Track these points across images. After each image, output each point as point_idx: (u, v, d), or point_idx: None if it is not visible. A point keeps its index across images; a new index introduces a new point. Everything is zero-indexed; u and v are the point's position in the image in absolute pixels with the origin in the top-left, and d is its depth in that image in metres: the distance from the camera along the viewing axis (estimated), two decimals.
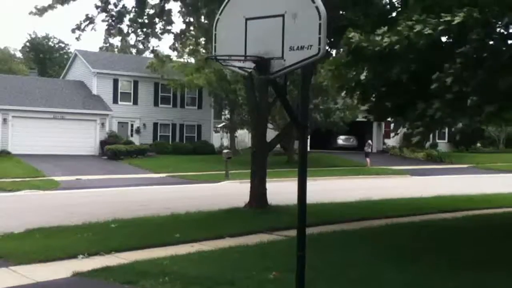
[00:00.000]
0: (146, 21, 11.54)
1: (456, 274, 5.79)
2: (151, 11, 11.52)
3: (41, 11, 10.93)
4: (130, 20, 11.47)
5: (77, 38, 11.81)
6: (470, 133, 32.14)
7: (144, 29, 11.70)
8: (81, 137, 28.21)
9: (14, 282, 5.62)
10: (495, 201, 13.43)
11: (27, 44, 53.44)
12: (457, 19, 5.12)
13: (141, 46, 13.45)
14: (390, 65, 6.28)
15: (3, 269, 6.13)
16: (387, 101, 7.76)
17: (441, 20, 5.31)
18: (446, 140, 38.82)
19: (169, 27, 11.92)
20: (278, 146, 24.64)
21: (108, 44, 12.88)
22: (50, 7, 10.90)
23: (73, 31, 11.33)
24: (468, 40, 5.47)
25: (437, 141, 37.61)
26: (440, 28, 5.28)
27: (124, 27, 11.69)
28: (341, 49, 6.65)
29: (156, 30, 11.85)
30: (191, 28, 12.55)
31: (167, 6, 11.65)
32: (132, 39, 12.07)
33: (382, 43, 5.62)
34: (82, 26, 11.27)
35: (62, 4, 10.87)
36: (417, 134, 6.13)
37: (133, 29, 11.65)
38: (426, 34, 5.29)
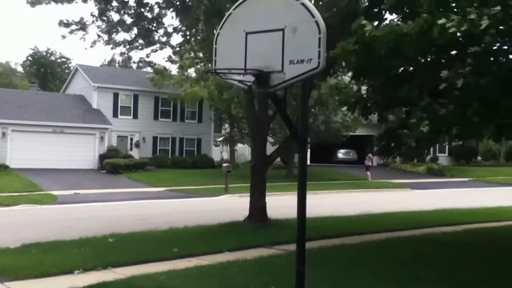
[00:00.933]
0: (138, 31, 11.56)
1: None
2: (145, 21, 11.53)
3: (34, 2, 10.96)
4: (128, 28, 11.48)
5: (63, 36, 11.87)
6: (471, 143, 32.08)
7: (139, 40, 11.71)
8: (80, 151, 28.16)
9: None
10: (496, 215, 13.36)
11: (29, 58, 53.79)
12: (484, 23, 4.82)
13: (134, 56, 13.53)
14: (399, 60, 6.12)
15: None
16: (390, 113, 7.70)
17: (467, 17, 4.97)
18: (446, 154, 38.77)
19: (164, 39, 11.93)
20: (278, 159, 24.62)
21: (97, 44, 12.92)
22: (43, 0, 10.93)
23: (60, 23, 11.33)
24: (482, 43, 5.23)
25: (438, 154, 37.58)
26: (463, 28, 4.95)
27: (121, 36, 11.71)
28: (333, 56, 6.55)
29: (154, 39, 11.86)
30: (191, 40, 12.59)
31: (165, 19, 11.73)
32: (127, 50, 12.04)
33: (399, 30, 5.38)
34: (73, 28, 11.31)
35: (56, 2, 10.92)
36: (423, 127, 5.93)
37: (130, 39, 11.66)
38: (450, 31, 4.98)
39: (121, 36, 11.88)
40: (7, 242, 8.49)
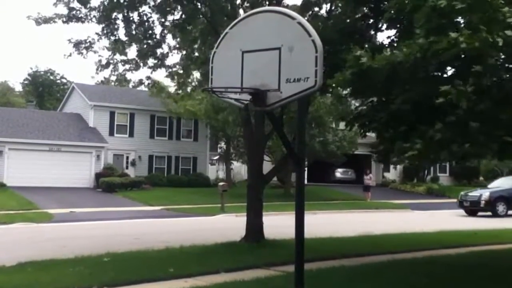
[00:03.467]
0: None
1: None
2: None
3: (41, 21, 10.94)
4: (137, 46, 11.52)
5: (66, 56, 11.78)
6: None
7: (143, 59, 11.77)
8: (76, 169, 28.05)
9: None
10: (500, 236, 13.15)
11: (28, 77, 54.02)
12: (499, 40, 4.92)
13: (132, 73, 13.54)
14: (396, 88, 6.10)
15: None
16: (388, 132, 7.63)
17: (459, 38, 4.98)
18: (447, 174, 38.50)
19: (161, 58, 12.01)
20: (275, 178, 24.58)
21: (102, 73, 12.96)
22: (52, 20, 10.93)
23: (69, 41, 11.26)
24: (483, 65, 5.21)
25: (438, 174, 37.33)
26: (475, 45, 4.95)
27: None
28: (329, 85, 6.55)
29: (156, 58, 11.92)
30: (185, 59, 12.68)
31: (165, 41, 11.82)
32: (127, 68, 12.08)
33: (394, 58, 5.35)
34: (81, 48, 11.35)
35: (64, 22, 10.91)
36: (414, 150, 5.93)
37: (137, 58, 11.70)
38: (462, 46, 4.94)
39: (119, 55, 11.96)
40: (3, 260, 8.40)
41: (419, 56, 5.31)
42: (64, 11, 10.89)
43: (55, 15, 10.92)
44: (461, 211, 21.69)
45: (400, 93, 6.13)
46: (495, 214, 19.56)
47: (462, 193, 21.57)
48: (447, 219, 18.78)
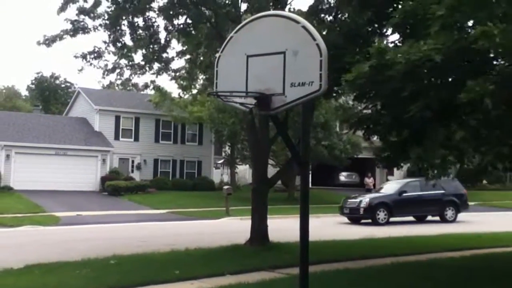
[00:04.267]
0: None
1: None
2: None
3: (49, 42, 11.00)
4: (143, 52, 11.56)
5: (79, 70, 11.84)
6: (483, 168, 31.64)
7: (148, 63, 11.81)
8: (82, 173, 28.22)
9: None
10: (504, 239, 13.08)
11: (33, 82, 54.42)
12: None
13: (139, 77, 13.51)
14: (412, 86, 5.99)
15: None
16: (397, 136, 7.55)
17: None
18: (450, 178, 38.23)
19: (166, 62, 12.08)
20: (279, 182, 24.59)
21: (108, 79, 12.98)
22: (59, 37, 10.98)
23: (75, 57, 11.34)
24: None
25: (442, 178, 37.10)
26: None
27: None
28: (343, 86, 6.49)
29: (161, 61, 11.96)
30: (190, 63, 12.74)
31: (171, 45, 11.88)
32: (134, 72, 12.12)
33: (420, 53, 5.19)
34: (88, 58, 11.41)
35: (71, 36, 11.01)
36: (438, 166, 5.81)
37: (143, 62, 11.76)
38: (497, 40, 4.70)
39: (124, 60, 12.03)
40: (11, 263, 8.49)
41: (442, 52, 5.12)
42: (68, 25, 10.93)
43: (62, 32, 10.96)
44: (464, 214, 21.40)
45: (415, 93, 6.05)
46: (375, 222, 17.51)
47: (344, 198, 19.23)
48: (450, 222, 18.67)
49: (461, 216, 20.90)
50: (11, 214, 18.80)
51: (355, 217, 18.32)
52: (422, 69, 5.51)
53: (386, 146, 8.28)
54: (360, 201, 18.01)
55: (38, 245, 11.87)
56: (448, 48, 5.20)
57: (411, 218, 19.19)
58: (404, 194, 18.60)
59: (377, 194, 19.65)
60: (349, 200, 18.58)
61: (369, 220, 17.91)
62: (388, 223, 17.64)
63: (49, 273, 7.74)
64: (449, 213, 19.08)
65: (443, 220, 18.80)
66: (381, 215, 17.80)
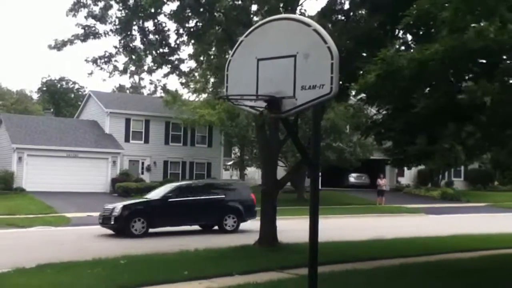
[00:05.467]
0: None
1: None
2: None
3: (60, 46, 11.13)
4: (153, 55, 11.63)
5: (89, 74, 11.88)
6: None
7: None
8: (93, 174, 28.48)
9: None
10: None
11: (43, 85, 55.08)
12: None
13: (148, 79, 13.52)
14: (420, 89, 5.98)
15: None
16: (407, 140, 7.54)
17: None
18: (462, 178, 38.04)
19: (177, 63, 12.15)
20: (288, 183, 24.61)
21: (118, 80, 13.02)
22: (70, 42, 11.10)
23: (86, 61, 11.43)
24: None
25: (453, 179, 36.90)
26: (503, 37, 4.82)
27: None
28: (353, 90, 6.51)
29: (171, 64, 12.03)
30: (201, 66, 12.82)
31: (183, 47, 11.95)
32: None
33: (425, 53, 5.21)
34: (99, 62, 11.53)
35: (82, 41, 11.15)
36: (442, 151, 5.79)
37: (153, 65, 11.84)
38: (491, 36, 4.77)
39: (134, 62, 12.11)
40: (23, 262, 8.61)
41: (446, 54, 5.15)
42: (80, 30, 11.05)
43: (73, 37, 11.10)
44: (475, 215, 20.79)
45: (423, 96, 6.07)
46: (130, 234, 13.82)
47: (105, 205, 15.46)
48: (461, 223, 18.40)
49: (472, 217, 20.53)
50: (23, 215, 19.08)
51: (109, 227, 14.64)
52: (428, 72, 5.52)
53: (400, 149, 8.26)
54: (113, 209, 14.38)
55: (50, 245, 12.02)
56: (455, 51, 5.22)
57: (195, 227, 15.77)
58: (171, 200, 14.91)
59: (135, 200, 16.34)
60: (105, 207, 14.98)
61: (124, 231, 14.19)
62: (146, 234, 14.07)
63: (61, 273, 7.86)
64: (230, 222, 15.40)
65: (222, 230, 15.27)
66: (138, 225, 14.07)
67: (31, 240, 13.22)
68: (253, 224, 14.35)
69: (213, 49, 12.27)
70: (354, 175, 35.62)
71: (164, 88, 13.36)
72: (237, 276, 7.88)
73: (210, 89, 14.77)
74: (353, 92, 6.25)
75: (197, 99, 24.39)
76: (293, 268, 8.39)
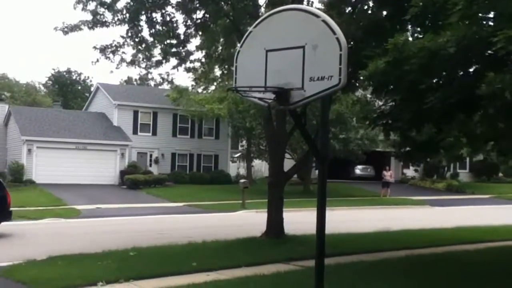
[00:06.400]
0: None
1: None
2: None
3: (67, 30, 11.13)
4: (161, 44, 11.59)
5: (94, 62, 11.83)
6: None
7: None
8: (102, 167, 28.70)
9: None
10: None
11: (51, 77, 55.35)
12: None
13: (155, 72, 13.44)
14: (430, 79, 5.91)
15: None
16: (415, 130, 7.47)
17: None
18: (467, 170, 37.98)
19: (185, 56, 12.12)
20: (295, 175, 24.65)
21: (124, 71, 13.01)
22: (77, 27, 11.11)
23: (94, 48, 11.40)
24: None
25: (458, 170, 36.81)
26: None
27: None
28: (362, 76, 6.45)
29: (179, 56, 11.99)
30: (209, 58, 12.79)
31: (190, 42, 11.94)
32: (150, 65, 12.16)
33: (441, 41, 5.14)
34: (106, 51, 11.52)
35: (90, 28, 11.13)
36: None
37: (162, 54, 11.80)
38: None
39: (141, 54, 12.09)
40: (34, 255, 8.72)
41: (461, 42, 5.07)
42: (89, 17, 11.05)
43: (80, 23, 11.09)
44: (480, 207, 20.32)
45: (432, 88, 5.99)
46: None
47: None
48: (466, 215, 18.33)
49: (477, 209, 20.39)
50: (33, 207, 19.27)
51: None
52: (439, 61, 5.46)
53: (406, 142, 8.20)
54: None
55: (60, 238, 12.16)
56: (466, 40, 5.16)
57: None
58: None
59: None
60: None
61: None
62: None
63: (72, 264, 7.95)
64: None
65: None
66: None
67: (42, 233, 13.37)
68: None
69: (221, 40, 12.23)
70: (359, 167, 35.59)
71: (171, 82, 13.37)
72: (245, 268, 7.93)
73: (219, 81, 14.74)
74: (363, 80, 6.20)
75: (204, 92, 24.43)
76: (299, 260, 8.43)
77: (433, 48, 5.35)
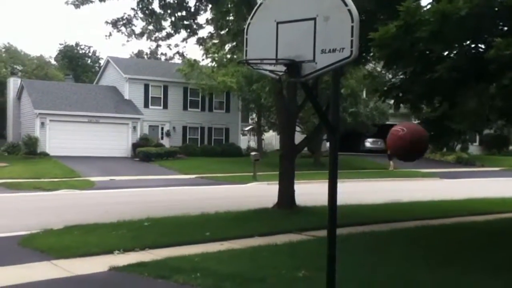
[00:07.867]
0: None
1: (489, 277, 5.74)
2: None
3: (79, 3, 11.11)
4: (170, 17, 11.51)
5: (107, 36, 11.92)
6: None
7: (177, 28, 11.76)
8: (114, 139, 29.06)
9: (55, 274, 5.94)
10: None
11: (61, 52, 55.31)
12: None
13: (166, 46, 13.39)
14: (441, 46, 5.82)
15: (45, 262, 6.48)
16: (428, 105, 7.37)
17: None
18: (477, 143, 37.79)
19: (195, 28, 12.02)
20: (305, 148, 24.70)
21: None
22: (88, 0, 11.11)
23: (106, 22, 11.41)
24: None
25: (468, 144, 36.64)
26: None
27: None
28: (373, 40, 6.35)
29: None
30: (219, 32, 12.69)
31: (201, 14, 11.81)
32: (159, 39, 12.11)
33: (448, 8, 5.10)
34: (118, 25, 11.50)
35: (101, 0, 11.10)
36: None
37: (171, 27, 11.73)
38: None
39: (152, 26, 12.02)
40: (51, 224, 8.99)
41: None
42: None
43: None
44: (490, 179, 20.34)
45: (443, 57, 5.89)
46: None
47: None
48: (476, 187, 18.34)
49: (487, 181, 20.38)
50: (48, 179, 19.72)
51: None
52: (450, 29, 5.36)
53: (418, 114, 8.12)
54: None
55: (75, 208, 12.47)
56: (478, 7, 5.05)
57: None
58: None
59: None
60: None
61: None
62: None
63: (88, 233, 8.19)
64: None
65: None
66: None
67: (58, 203, 13.72)
68: None
69: (231, 14, 12.09)
70: (370, 140, 35.57)
71: (182, 55, 13.32)
72: (257, 238, 8.11)
73: (228, 55, 14.66)
74: (374, 50, 6.12)
75: (215, 64, 24.38)
76: (311, 230, 8.58)
77: (446, 11, 5.25)
